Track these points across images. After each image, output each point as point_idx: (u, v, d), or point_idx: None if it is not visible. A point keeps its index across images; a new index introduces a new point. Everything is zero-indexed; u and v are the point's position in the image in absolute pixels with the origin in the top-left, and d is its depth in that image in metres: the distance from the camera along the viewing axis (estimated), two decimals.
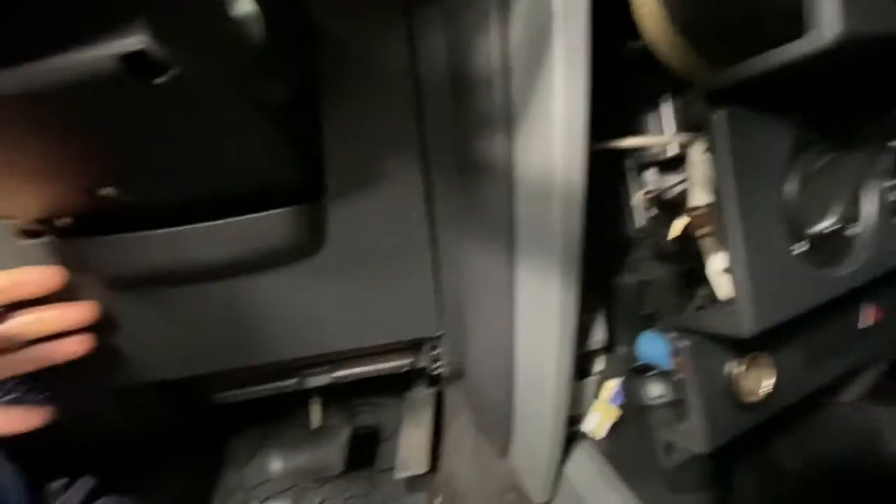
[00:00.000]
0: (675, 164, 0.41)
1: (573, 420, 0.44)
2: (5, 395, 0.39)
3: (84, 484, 0.57)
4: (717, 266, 0.26)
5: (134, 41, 0.17)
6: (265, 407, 0.74)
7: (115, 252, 0.34)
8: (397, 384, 0.84)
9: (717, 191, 0.24)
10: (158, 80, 0.18)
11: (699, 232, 0.26)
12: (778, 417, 0.33)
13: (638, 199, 0.36)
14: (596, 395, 0.44)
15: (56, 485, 0.58)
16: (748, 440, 0.31)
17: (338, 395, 0.83)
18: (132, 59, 0.18)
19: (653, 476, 0.42)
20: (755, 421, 0.31)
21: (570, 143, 0.30)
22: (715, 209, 0.25)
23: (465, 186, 0.39)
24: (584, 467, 0.45)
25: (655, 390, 0.34)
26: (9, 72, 0.18)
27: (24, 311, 0.34)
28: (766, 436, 0.33)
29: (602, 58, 0.29)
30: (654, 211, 0.35)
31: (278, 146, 0.29)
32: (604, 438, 0.44)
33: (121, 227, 0.33)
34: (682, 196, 0.31)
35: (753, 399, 0.29)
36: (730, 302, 0.24)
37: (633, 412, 0.43)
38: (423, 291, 0.44)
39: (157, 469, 0.70)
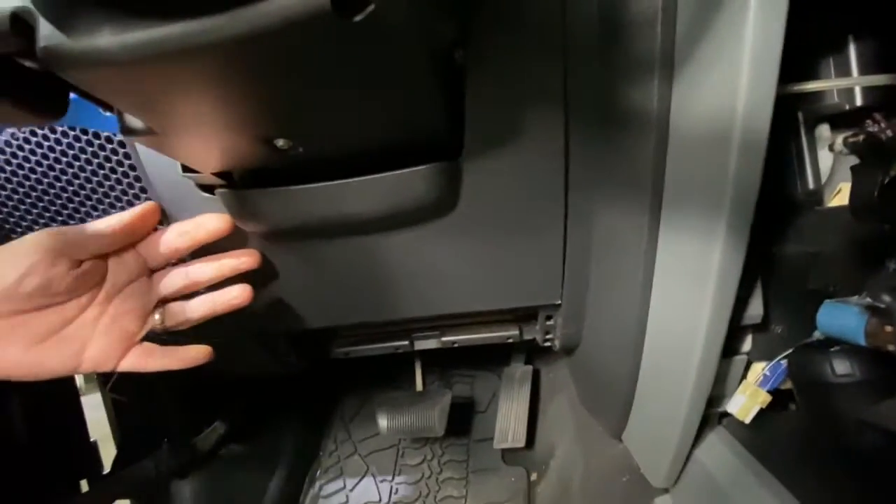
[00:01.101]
0: (854, 117, 0.36)
1: (707, 402, 0.40)
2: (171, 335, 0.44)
3: (218, 427, 0.64)
4: None
5: None
6: (370, 368, 0.78)
7: (273, 205, 0.36)
8: (492, 359, 0.84)
9: None
10: (358, 17, 0.19)
11: None
12: None
13: (837, 145, 0.31)
14: (743, 377, 0.40)
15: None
16: None
17: (437, 365, 0.85)
18: None
19: (804, 468, 0.37)
20: None
21: (758, 84, 0.26)
22: None
23: (607, 142, 0.37)
24: (722, 453, 0.41)
25: (841, 367, 0.30)
26: (222, 17, 0.18)
27: (204, 258, 0.38)
28: None
29: None
30: (853, 160, 0.30)
31: (437, 96, 0.29)
32: (745, 424, 0.40)
33: (280, 181, 0.35)
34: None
35: None
36: None
37: (785, 396, 0.39)
38: (551, 256, 0.42)
39: (275, 419, 0.76)
